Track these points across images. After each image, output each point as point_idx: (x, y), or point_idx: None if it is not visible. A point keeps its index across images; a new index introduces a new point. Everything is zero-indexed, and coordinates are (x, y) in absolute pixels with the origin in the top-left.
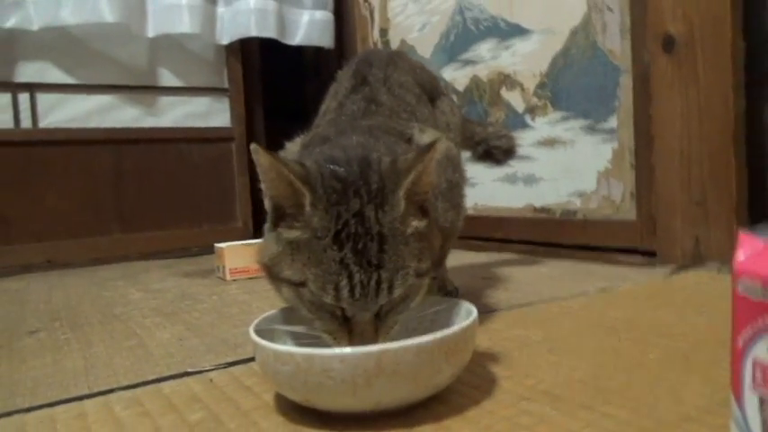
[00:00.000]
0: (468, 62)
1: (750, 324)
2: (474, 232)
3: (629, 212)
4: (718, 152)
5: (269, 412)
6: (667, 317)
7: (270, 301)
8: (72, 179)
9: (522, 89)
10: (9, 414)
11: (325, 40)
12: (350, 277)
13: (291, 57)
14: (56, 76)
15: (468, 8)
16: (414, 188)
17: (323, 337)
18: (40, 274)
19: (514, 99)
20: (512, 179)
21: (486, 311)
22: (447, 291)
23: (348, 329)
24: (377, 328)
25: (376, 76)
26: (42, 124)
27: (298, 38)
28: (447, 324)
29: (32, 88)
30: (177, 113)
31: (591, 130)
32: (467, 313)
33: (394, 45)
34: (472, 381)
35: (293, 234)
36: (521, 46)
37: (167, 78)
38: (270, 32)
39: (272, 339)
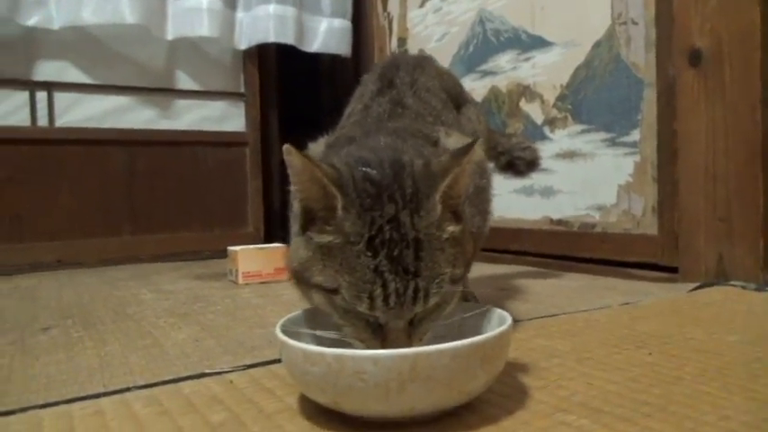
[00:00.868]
0: (487, 73)
1: None
2: (489, 244)
3: (650, 227)
4: (745, 168)
5: (293, 415)
6: (697, 333)
7: (285, 306)
8: (86, 179)
9: (542, 101)
10: (24, 410)
11: (343, 48)
12: (384, 286)
13: (307, 64)
14: (74, 75)
15: (489, 19)
16: (449, 192)
17: (353, 343)
18: (51, 272)
19: (533, 111)
20: (528, 191)
21: None
22: (465, 297)
23: (381, 337)
24: (410, 335)
25: (402, 80)
26: (59, 123)
27: (315, 45)
28: (477, 330)
29: (50, 87)
30: (192, 116)
31: (612, 143)
32: (499, 320)
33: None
34: (503, 390)
35: (325, 239)
36: (541, 58)
37: (184, 81)
38: (288, 39)
39: (295, 339)
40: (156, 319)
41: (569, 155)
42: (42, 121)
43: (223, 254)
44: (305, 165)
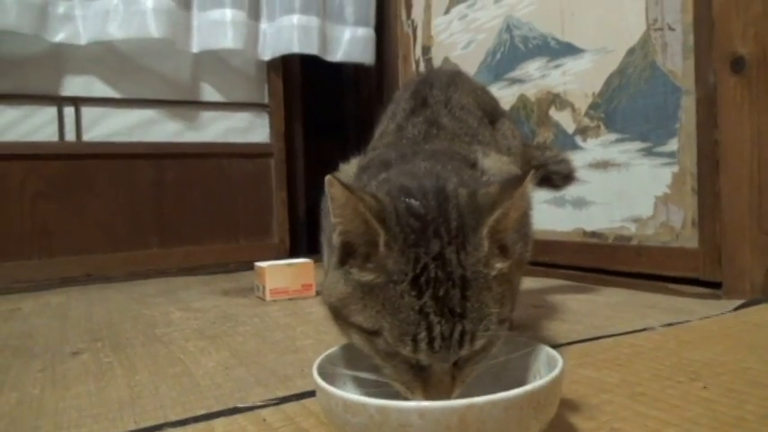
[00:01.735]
0: (515, 81)
1: None
2: None
3: (689, 240)
4: None
5: None
6: (752, 361)
7: (313, 326)
8: (113, 192)
9: (573, 109)
10: None
11: (367, 56)
12: (429, 329)
13: (331, 73)
14: (100, 90)
15: (517, 26)
16: (497, 226)
17: (394, 385)
18: (80, 287)
19: (564, 119)
20: (559, 202)
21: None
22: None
23: (423, 379)
24: (454, 377)
25: (437, 98)
26: (86, 138)
27: (339, 55)
28: (522, 367)
29: (77, 102)
30: (218, 128)
31: (648, 153)
32: (548, 360)
33: (437, 63)
34: None
35: (366, 277)
36: (572, 65)
37: (209, 93)
38: (312, 49)
39: (332, 380)
40: (186, 342)
41: (603, 165)
42: (70, 136)
43: (249, 265)
44: (348, 198)
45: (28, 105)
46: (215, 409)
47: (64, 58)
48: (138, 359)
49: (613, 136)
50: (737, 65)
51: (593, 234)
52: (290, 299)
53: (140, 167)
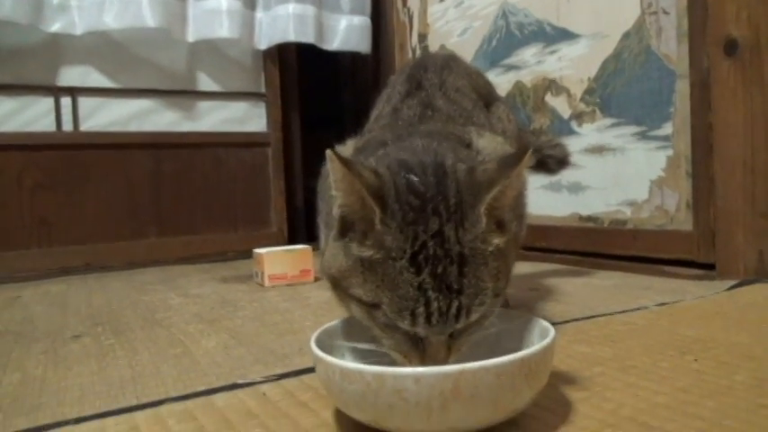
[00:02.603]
0: (511, 67)
1: None
2: None
3: (684, 223)
4: None
5: None
6: (742, 336)
7: (312, 310)
8: (111, 182)
9: (569, 95)
10: (59, 425)
11: (363, 45)
12: (428, 304)
13: (327, 62)
14: (97, 80)
15: (513, 12)
16: (494, 203)
17: (392, 355)
18: (79, 276)
19: (560, 105)
20: (555, 187)
21: None
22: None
23: (420, 349)
24: (449, 347)
25: (431, 81)
26: (83, 128)
27: (335, 43)
28: (516, 339)
29: (74, 92)
30: (215, 118)
31: (643, 137)
32: (541, 331)
33: (433, 50)
34: (546, 404)
35: (365, 252)
36: (568, 51)
37: (205, 83)
38: (308, 38)
39: (329, 352)
40: (186, 326)
41: (598, 149)
42: (67, 126)
43: (247, 254)
44: (345, 174)
45: (25, 96)
46: (215, 385)
47: (60, 48)
48: (139, 342)
49: (609, 121)
50: (731, 48)
51: (589, 218)
52: (288, 284)
53: (138, 157)
